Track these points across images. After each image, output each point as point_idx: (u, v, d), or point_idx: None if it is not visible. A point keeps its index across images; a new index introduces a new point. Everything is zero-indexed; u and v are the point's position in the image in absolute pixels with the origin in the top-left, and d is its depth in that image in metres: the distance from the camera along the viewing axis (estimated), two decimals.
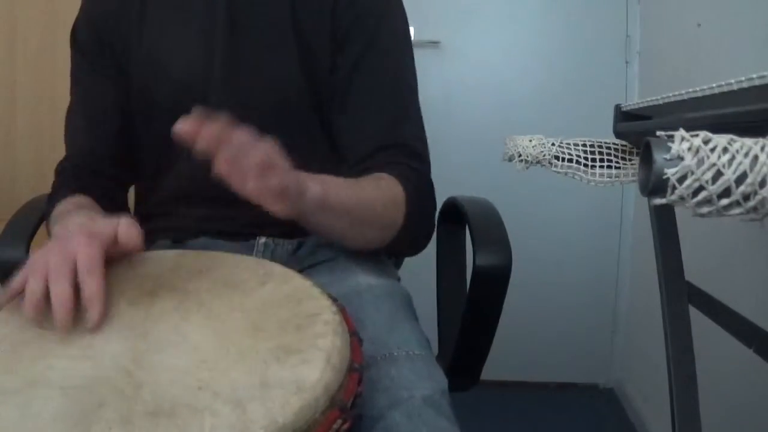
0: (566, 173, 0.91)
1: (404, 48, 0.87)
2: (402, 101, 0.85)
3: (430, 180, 0.85)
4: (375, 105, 0.83)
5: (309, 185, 0.64)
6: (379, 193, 0.76)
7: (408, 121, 0.85)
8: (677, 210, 0.96)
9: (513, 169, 0.95)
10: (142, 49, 0.85)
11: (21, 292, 0.55)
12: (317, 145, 0.85)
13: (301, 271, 0.64)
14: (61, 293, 0.52)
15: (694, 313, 0.96)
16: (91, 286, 0.53)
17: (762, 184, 0.40)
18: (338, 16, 0.82)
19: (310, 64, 0.83)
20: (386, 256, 0.90)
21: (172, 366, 0.49)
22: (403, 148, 0.82)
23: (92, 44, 0.86)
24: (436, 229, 1.02)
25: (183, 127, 0.54)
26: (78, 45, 0.88)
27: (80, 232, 0.56)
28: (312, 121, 0.85)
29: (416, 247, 0.85)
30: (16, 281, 0.56)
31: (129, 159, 0.89)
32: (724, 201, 0.41)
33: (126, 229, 0.58)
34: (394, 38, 0.86)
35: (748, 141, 0.41)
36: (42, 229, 0.92)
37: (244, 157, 0.54)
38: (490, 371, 0.90)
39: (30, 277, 0.54)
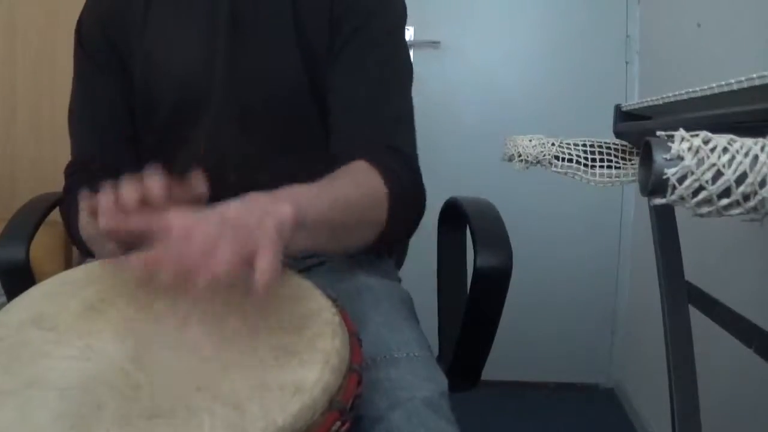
0: (566, 173, 0.91)
1: (395, 40, 0.86)
2: (387, 83, 0.83)
3: (414, 163, 0.81)
4: (357, 84, 0.81)
5: (281, 209, 0.55)
6: (358, 192, 0.71)
7: (391, 103, 0.82)
8: (677, 210, 0.96)
9: (513, 169, 0.95)
10: (144, 48, 0.84)
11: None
12: (318, 142, 0.85)
13: (301, 271, 0.64)
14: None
15: (694, 313, 0.96)
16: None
17: (762, 184, 0.40)
18: (336, 12, 0.82)
19: (311, 62, 0.82)
20: (386, 254, 0.90)
21: (171, 367, 0.49)
22: (384, 128, 0.80)
23: (98, 42, 0.85)
24: (436, 229, 1.02)
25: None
26: (83, 43, 0.86)
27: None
28: (313, 118, 0.84)
29: (406, 236, 0.83)
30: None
31: (135, 158, 0.88)
32: (724, 201, 0.41)
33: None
34: (385, 27, 0.84)
35: (748, 141, 0.41)
36: (42, 229, 0.91)
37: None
38: (490, 371, 0.90)
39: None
